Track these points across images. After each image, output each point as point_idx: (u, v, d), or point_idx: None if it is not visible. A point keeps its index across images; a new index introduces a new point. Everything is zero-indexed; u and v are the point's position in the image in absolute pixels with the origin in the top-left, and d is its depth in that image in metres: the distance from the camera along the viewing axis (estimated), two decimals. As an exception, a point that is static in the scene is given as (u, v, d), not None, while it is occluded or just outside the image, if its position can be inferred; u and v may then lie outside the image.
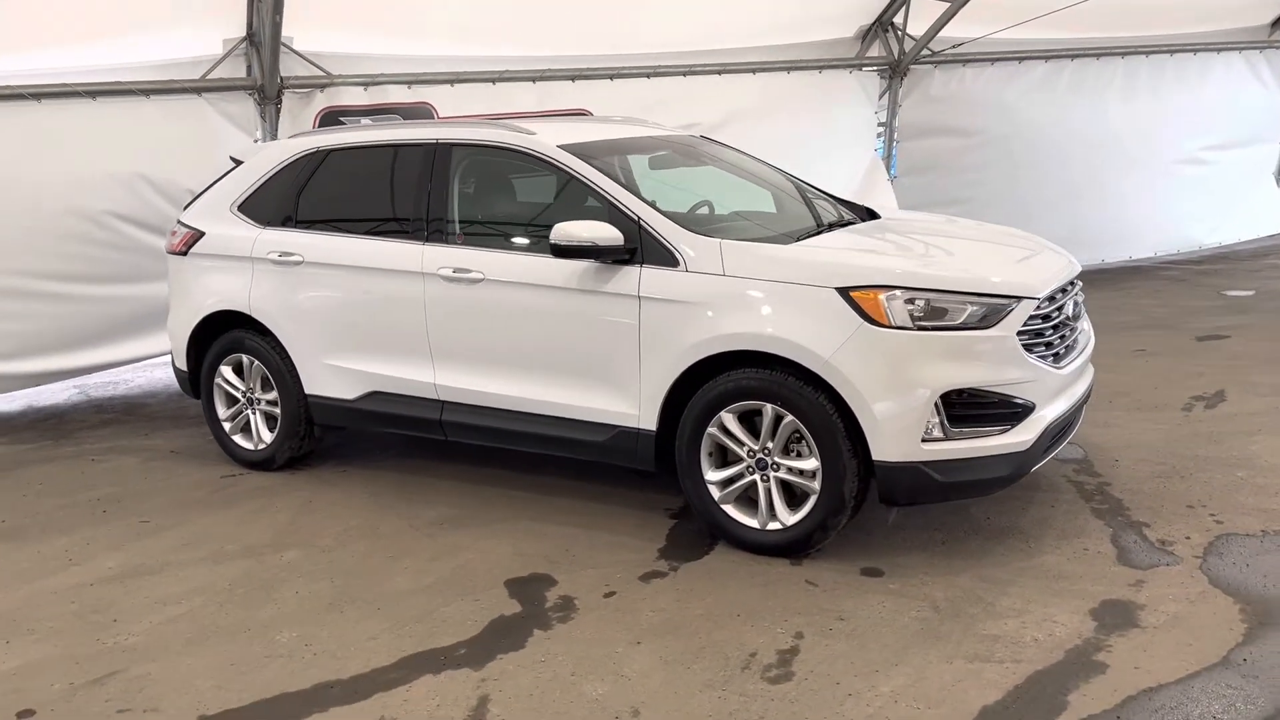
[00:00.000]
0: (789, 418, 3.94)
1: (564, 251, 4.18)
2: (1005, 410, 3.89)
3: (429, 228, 4.77)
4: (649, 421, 4.25)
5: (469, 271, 4.58)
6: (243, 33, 7.19)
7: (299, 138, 5.43)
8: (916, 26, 9.05)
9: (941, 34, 9.09)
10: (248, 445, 5.46)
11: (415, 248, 4.76)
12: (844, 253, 4.13)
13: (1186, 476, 4.74)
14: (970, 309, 3.85)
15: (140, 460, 5.77)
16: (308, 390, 5.15)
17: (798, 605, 3.71)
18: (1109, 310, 8.28)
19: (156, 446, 5.99)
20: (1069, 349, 4.25)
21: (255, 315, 5.22)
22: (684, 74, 8.39)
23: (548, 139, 4.61)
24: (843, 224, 4.86)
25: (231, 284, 5.31)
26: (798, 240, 4.36)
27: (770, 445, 4.02)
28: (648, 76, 8.30)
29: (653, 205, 4.33)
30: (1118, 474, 4.80)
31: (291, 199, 5.24)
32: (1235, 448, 5.06)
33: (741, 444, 4.08)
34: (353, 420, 5.12)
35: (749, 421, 4.07)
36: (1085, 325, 4.58)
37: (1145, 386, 6.16)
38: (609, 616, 3.70)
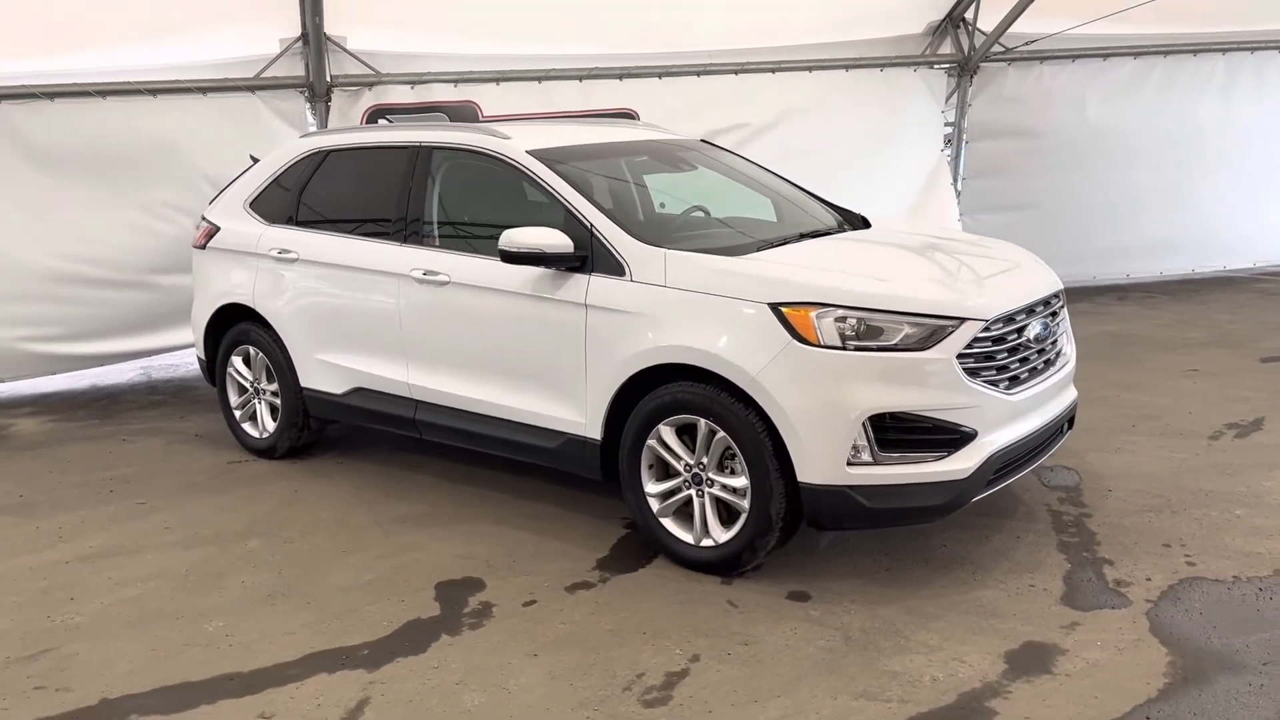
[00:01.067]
0: (720, 434, 3.88)
1: (512, 258, 4.20)
2: (942, 436, 3.73)
3: (408, 229, 4.86)
4: (595, 431, 4.24)
5: (437, 274, 4.65)
6: (298, 33, 7.43)
7: (306, 138, 5.60)
8: (988, 22, 8.71)
9: (1016, 30, 8.72)
10: (254, 433, 5.69)
11: (394, 249, 4.86)
12: (785, 267, 4.01)
13: (1179, 511, 4.45)
14: (907, 329, 3.70)
15: (165, 443, 6.07)
16: (303, 383, 5.33)
17: (708, 626, 3.65)
18: (1179, 325, 7.85)
19: (185, 430, 6.28)
20: (1034, 372, 4.04)
21: (258, 309, 5.43)
22: (736, 72, 8.28)
23: (519, 143, 4.63)
24: (823, 234, 4.73)
25: (240, 278, 5.53)
26: (760, 250, 4.25)
27: (705, 461, 3.96)
28: (698, 75, 8.22)
29: (608, 212, 4.30)
30: (1105, 505, 4.55)
31: (294, 198, 5.42)
32: (1247, 482, 4.72)
33: (679, 458, 4.03)
34: (341, 415, 5.27)
35: (688, 435, 4.01)
36: (1064, 347, 4.34)
37: (1179, 410, 5.80)
38: (519, 626, 3.72)
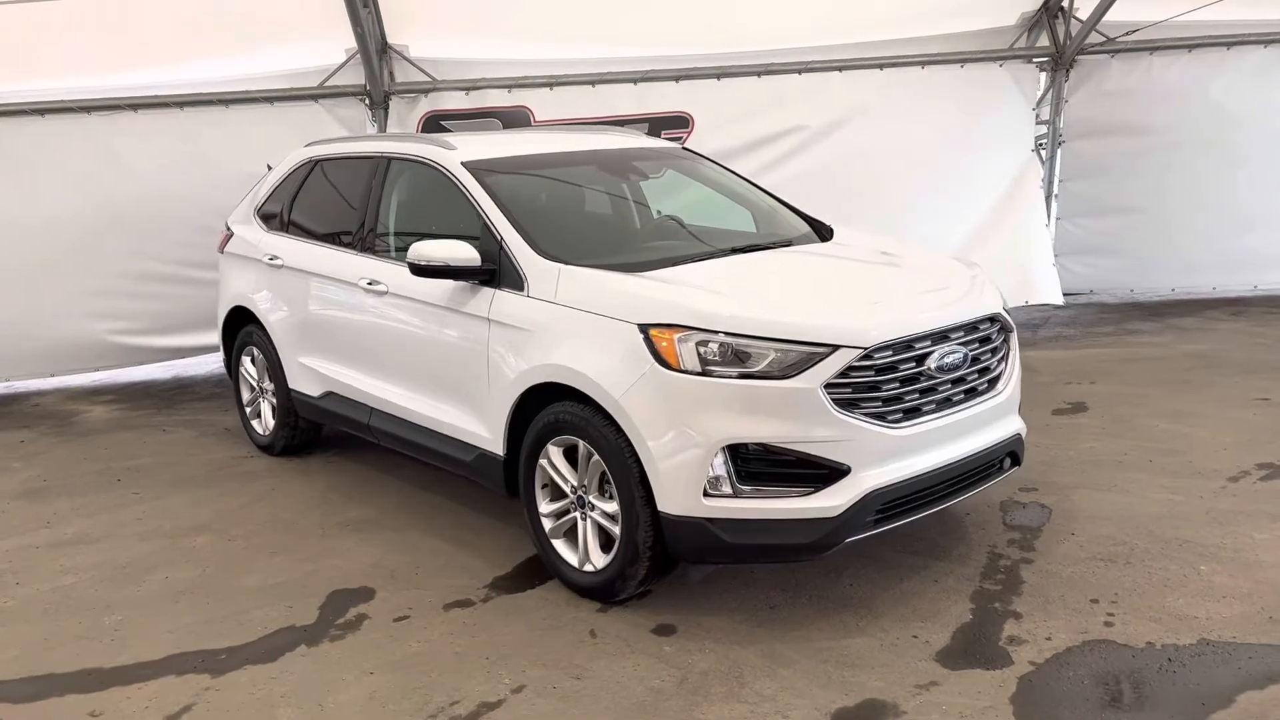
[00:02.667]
0: (596, 457, 3.76)
1: (420, 270, 4.20)
2: (808, 471, 3.48)
3: (365, 238, 4.96)
4: (499, 447, 4.20)
5: (379, 283, 4.72)
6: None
7: (307, 147, 5.79)
8: (1089, 10, 8.03)
9: (1118, 18, 8.02)
10: (260, 430, 5.96)
11: (351, 257, 4.97)
12: (663, 287, 3.80)
13: (1135, 563, 3.98)
14: (774, 355, 3.47)
15: (196, 435, 6.44)
16: (290, 385, 5.53)
17: (553, 656, 3.54)
18: (1273, 347, 7.02)
19: (220, 424, 6.64)
20: (945, 404, 3.71)
21: (256, 312, 5.68)
22: (800, 71, 7.99)
23: (458, 155, 4.62)
24: (762, 247, 4.51)
25: (246, 283, 5.79)
26: (664, 268, 4.07)
27: (586, 483, 3.86)
28: (758, 75, 7.98)
29: (518, 225, 4.22)
30: (1055, 550, 4.13)
31: (288, 206, 5.63)
32: (1236, 534, 4.18)
33: (566, 479, 3.94)
34: (319, 416, 5.44)
35: (575, 456, 3.91)
36: (1002, 375, 3.96)
37: (1214, 445, 5.19)
38: (375, 641, 3.73)
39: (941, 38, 8.12)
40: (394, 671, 3.51)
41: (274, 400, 5.75)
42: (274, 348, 5.59)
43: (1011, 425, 4.02)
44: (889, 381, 3.57)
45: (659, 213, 5.11)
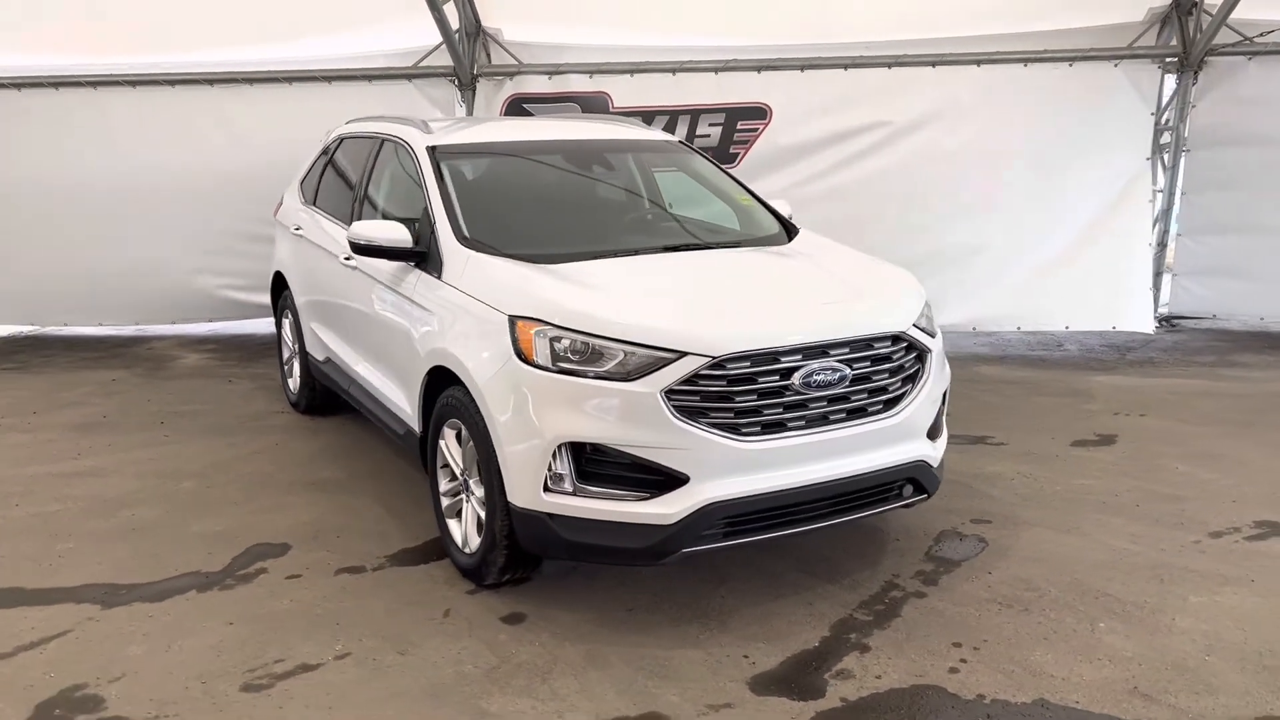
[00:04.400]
0: (471, 443, 3.83)
1: (356, 248, 4.37)
2: (645, 476, 3.42)
3: (353, 215, 5.19)
4: (418, 425, 4.33)
5: (351, 259, 4.94)
6: (456, 25, 7.98)
7: (344, 125, 6.09)
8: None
9: (1256, 16, 7.26)
10: (291, 389, 6.36)
11: (340, 231, 5.21)
12: (539, 280, 3.79)
13: (1031, 611, 3.68)
14: (621, 357, 3.43)
15: (251, 389, 6.95)
16: (306, 348, 5.88)
17: (396, 629, 3.64)
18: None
19: (279, 380, 7.11)
20: (816, 421, 3.55)
21: (286, 278, 6.06)
22: (889, 65, 7.66)
23: (428, 139, 4.76)
24: (702, 246, 4.43)
25: (283, 249, 6.19)
26: (573, 262, 4.06)
27: (466, 467, 3.94)
28: (844, 68, 7.72)
29: (450, 210, 4.31)
30: (959, 588, 3.87)
31: (316, 179, 5.96)
32: (1167, 595, 3.79)
33: (456, 462, 4.02)
34: (324, 379, 5.74)
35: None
36: (904, 397, 3.74)
37: (1224, 496, 4.70)
38: (257, 595, 3.94)
39: (1050, 34, 7.57)
40: (251, 624, 3.71)
41: (299, 361, 6.11)
42: (296, 310, 5.94)
43: (913, 450, 3.78)
44: (746, 393, 3.45)
45: (658, 206, 5.08)
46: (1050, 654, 3.40)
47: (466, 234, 4.21)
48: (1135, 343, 7.76)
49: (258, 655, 3.50)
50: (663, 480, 3.41)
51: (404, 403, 4.45)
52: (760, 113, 7.79)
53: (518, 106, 8.09)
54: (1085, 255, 7.57)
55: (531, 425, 3.48)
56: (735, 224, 4.85)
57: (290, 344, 6.29)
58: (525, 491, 3.52)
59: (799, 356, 3.51)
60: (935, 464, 3.87)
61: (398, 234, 4.29)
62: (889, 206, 7.71)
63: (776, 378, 3.48)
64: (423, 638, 3.59)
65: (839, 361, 3.57)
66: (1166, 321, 8.27)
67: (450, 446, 4.02)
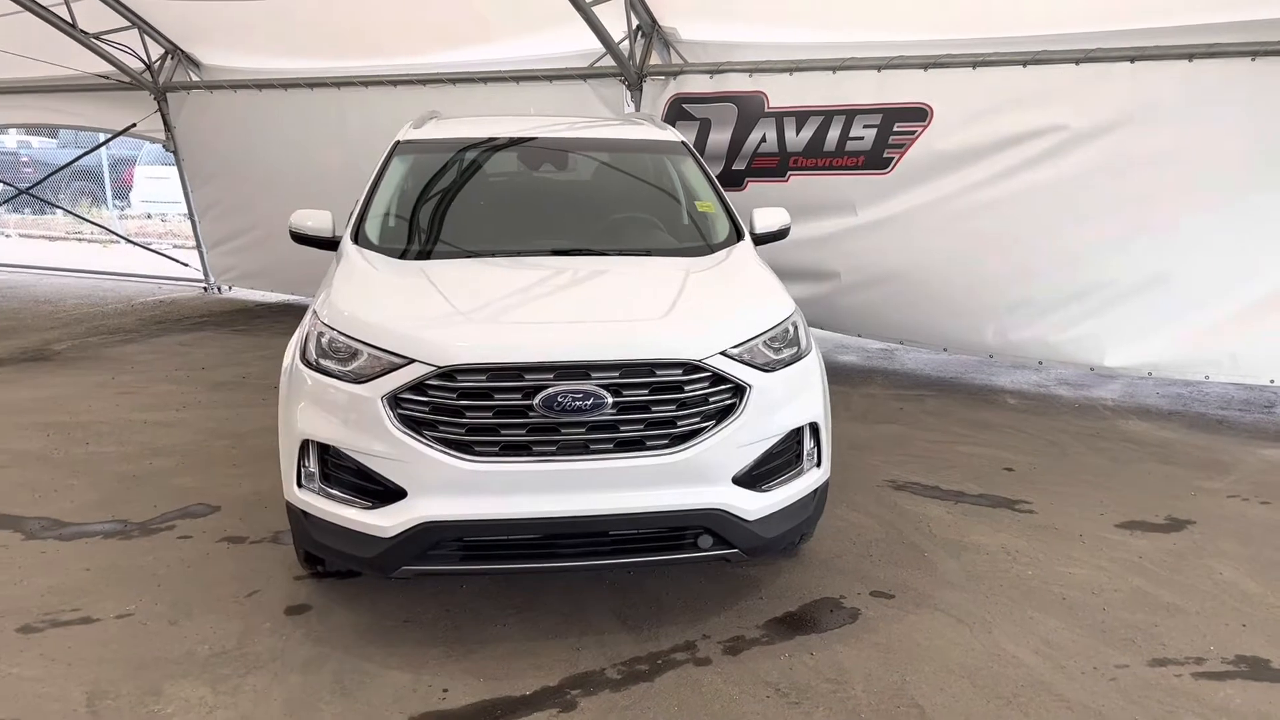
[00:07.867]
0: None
1: (295, 236, 4.55)
2: (368, 484, 3.27)
3: (371, 201, 5.40)
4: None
5: (345, 249, 5.15)
6: (633, 27, 8.02)
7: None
8: None
9: None
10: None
11: (363, 223, 5.45)
12: (366, 282, 3.72)
13: (805, 712, 3.05)
14: (364, 359, 3.31)
15: (277, 352, 7.52)
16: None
17: (197, 600, 3.74)
18: None
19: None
20: (568, 449, 3.20)
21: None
22: (1077, 61, 6.57)
23: (403, 133, 4.86)
24: (594, 252, 4.17)
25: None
26: (462, 259, 3.99)
27: (309, 455, 4.00)
28: (1023, 64, 6.74)
29: (369, 203, 4.38)
30: (758, 665, 3.28)
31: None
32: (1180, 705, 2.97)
33: (315, 449, 4.09)
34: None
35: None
36: (671, 432, 3.25)
37: (1229, 619, 3.58)
38: (139, 548, 4.22)
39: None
40: (96, 574, 3.99)
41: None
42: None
43: (707, 496, 3.27)
44: (479, 409, 3.18)
45: (614, 208, 4.82)
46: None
47: (365, 229, 4.26)
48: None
49: (69, 602, 3.77)
50: (383, 491, 3.25)
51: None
52: (920, 114, 7.02)
53: (678, 107, 7.92)
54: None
55: (289, 421, 3.47)
56: (685, 230, 4.46)
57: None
58: (287, 486, 3.51)
59: (549, 375, 3.17)
60: (748, 516, 3.32)
61: (318, 224, 4.42)
62: (1050, 223, 6.64)
63: (518, 396, 3.18)
64: (204, 612, 3.69)
65: (600, 386, 3.18)
66: None
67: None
